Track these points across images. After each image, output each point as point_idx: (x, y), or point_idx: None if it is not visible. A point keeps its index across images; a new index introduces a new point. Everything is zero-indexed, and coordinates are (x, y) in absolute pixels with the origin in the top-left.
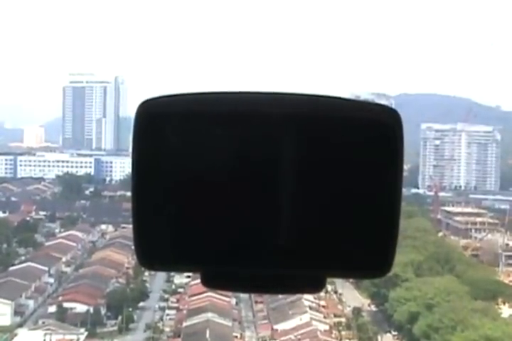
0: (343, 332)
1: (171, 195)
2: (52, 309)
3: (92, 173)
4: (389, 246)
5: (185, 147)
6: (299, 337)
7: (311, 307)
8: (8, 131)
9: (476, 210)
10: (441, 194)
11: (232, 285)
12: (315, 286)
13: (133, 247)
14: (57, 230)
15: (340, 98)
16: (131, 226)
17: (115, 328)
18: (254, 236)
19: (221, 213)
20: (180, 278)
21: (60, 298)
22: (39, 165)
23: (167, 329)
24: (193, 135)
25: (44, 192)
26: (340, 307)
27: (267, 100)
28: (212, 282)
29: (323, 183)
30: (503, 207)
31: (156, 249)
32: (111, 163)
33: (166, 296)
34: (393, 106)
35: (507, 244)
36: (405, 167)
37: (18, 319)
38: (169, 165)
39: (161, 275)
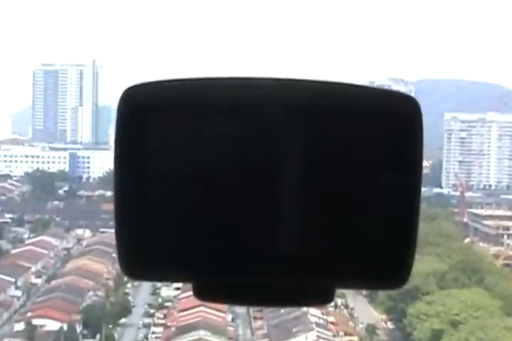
0: None
1: (158, 195)
2: (20, 326)
3: (67, 170)
4: (406, 252)
5: (175, 141)
6: None
7: (318, 324)
8: None
9: (508, 213)
10: (468, 194)
11: (228, 297)
12: (323, 298)
13: (114, 255)
14: (25, 235)
15: (351, 85)
16: (111, 230)
17: None
18: (253, 242)
19: (216, 216)
20: (168, 291)
21: (29, 314)
22: (5, 161)
23: None
24: (185, 127)
25: (11, 191)
26: (351, 323)
27: (271, 87)
28: (205, 293)
29: (332, 182)
30: None
31: (142, 255)
32: (88, 158)
33: (152, 311)
34: (412, 94)
35: None
36: (426, 163)
37: None
38: (157, 162)
39: (146, 288)
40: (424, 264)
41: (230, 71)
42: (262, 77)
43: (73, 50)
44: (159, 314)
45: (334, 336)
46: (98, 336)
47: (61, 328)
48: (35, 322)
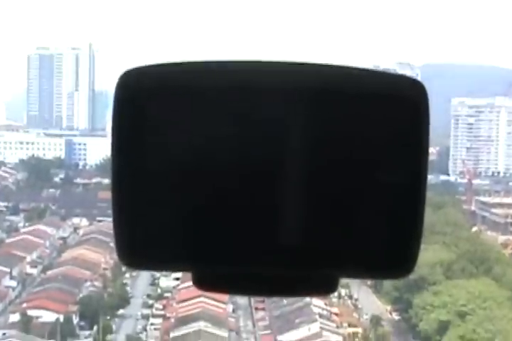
0: None
1: (157, 182)
2: (15, 318)
3: (63, 157)
4: (412, 241)
5: (175, 128)
6: None
7: (321, 315)
8: None
9: None
10: (476, 181)
11: (229, 287)
12: (326, 288)
13: (111, 244)
14: (20, 224)
15: (355, 68)
16: (108, 219)
17: (90, 340)
18: (254, 231)
19: (216, 203)
20: (167, 281)
21: (25, 305)
22: None
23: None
24: (185, 113)
25: (5, 179)
26: (355, 315)
27: (273, 71)
28: (205, 283)
29: (335, 169)
30: None
31: (140, 244)
32: (85, 144)
33: (151, 302)
34: (418, 78)
35: None
36: (433, 150)
37: None
38: (156, 149)
39: (145, 278)
40: (430, 253)
41: (230, 54)
42: (265, 61)
43: (69, 33)
44: (158, 305)
45: (338, 327)
46: (95, 327)
47: (57, 319)
48: (31, 313)
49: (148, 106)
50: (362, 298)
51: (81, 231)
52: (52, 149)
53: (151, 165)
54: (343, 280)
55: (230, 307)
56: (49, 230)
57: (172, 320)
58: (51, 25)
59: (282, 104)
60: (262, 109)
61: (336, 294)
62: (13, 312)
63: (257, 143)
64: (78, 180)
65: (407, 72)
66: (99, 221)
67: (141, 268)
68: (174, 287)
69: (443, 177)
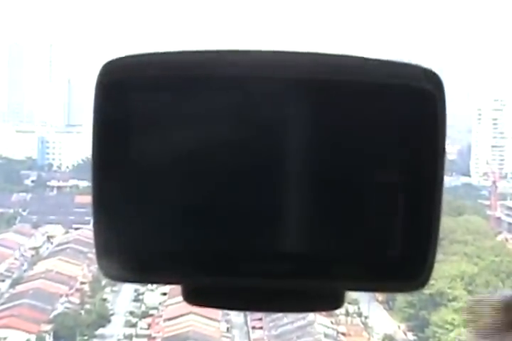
0: None
1: (143, 184)
2: None
3: (35, 157)
4: (427, 250)
5: (163, 123)
6: None
7: (326, 335)
8: None
9: None
10: (501, 184)
11: (223, 301)
12: (332, 302)
13: (90, 255)
14: None
15: (363, 58)
16: (86, 226)
17: None
18: (252, 236)
19: (209, 208)
20: (152, 296)
21: None
22: None
23: None
24: (174, 107)
25: None
26: (365, 334)
27: (272, 61)
28: (197, 297)
29: (341, 169)
30: None
31: (124, 253)
32: (60, 143)
33: (134, 320)
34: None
35: None
36: (452, 148)
37: None
38: (142, 146)
39: (127, 293)
40: (449, 265)
41: (221, 44)
42: (262, 50)
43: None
44: (143, 323)
45: None
46: None
47: (28, 340)
48: None
49: (135, 99)
50: (372, 315)
51: (55, 241)
52: (23, 148)
53: (136, 165)
54: (352, 296)
55: (223, 326)
56: (19, 239)
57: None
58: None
59: (284, 98)
60: (261, 102)
61: (343, 311)
62: None
63: (256, 139)
64: (52, 183)
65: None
66: (76, 228)
67: (125, 280)
68: (161, 303)
69: (464, 179)
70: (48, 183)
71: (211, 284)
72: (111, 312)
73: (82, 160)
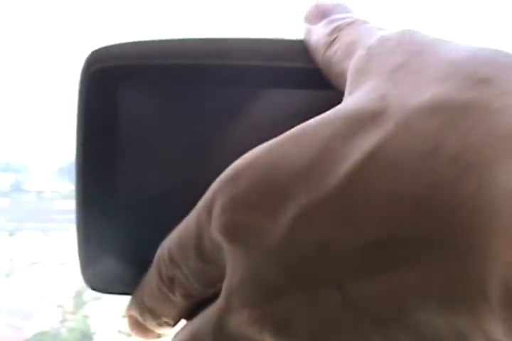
0: None
1: (131, 187)
2: None
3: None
4: None
5: (159, 118)
6: None
7: None
8: None
9: None
10: None
11: None
12: None
13: (70, 264)
14: None
15: None
16: (66, 233)
17: None
18: None
19: None
20: None
21: None
22: None
23: None
24: (172, 100)
25: None
26: None
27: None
28: (192, 310)
29: None
30: None
31: (111, 263)
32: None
33: (121, 339)
34: None
35: None
36: None
37: None
38: (133, 145)
39: (113, 308)
40: None
41: (220, 30)
42: (272, 39)
43: None
44: None
45: None
46: None
47: None
48: None
49: (125, 94)
50: None
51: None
52: None
53: (126, 166)
54: None
55: None
56: None
57: None
58: None
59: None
60: (263, 95)
61: None
62: None
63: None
64: (29, 187)
65: None
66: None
67: (111, 292)
68: None
69: None
70: (23, 187)
71: (206, 295)
72: (92, 330)
73: (65, 161)
